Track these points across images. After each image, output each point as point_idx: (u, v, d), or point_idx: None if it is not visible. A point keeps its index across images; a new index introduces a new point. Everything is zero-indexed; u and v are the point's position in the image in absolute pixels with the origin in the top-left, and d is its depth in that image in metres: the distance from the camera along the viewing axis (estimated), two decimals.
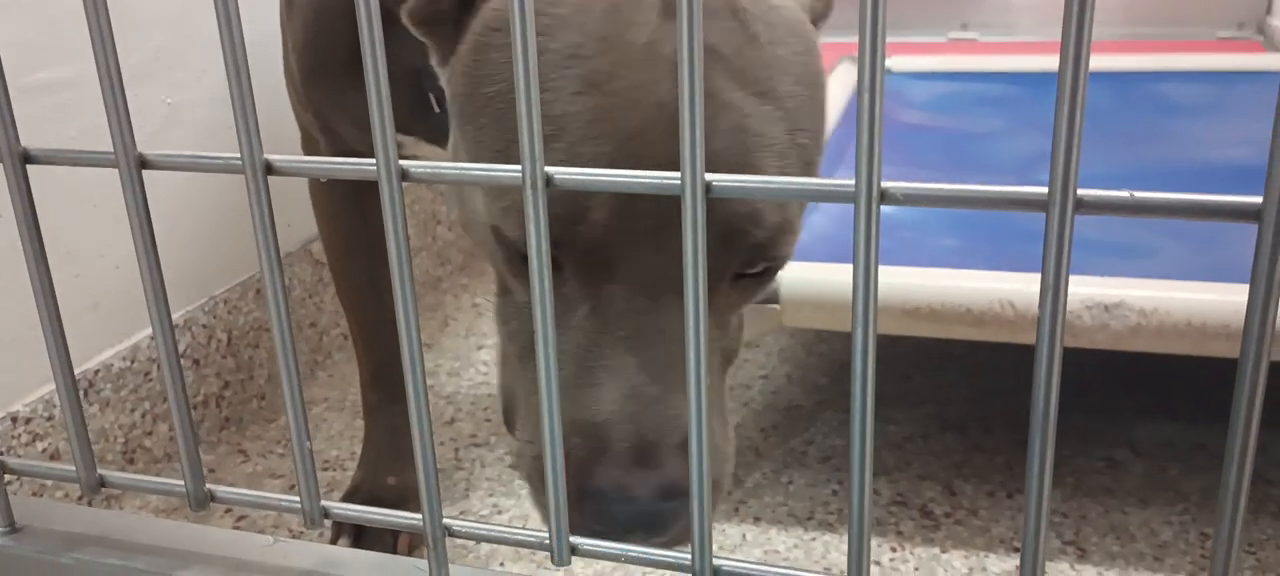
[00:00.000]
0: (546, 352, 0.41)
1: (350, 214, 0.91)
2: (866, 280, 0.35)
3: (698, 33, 0.34)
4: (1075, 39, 0.31)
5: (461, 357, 1.29)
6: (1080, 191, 0.33)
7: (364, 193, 0.90)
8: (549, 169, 0.39)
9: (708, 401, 0.40)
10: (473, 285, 1.52)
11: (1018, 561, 0.86)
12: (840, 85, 1.53)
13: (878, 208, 0.34)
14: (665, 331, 0.52)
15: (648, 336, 0.51)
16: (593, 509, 0.50)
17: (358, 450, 1.09)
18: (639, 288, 0.52)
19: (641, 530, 0.50)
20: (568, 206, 0.49)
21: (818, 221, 1.05)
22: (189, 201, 1.08)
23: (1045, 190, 0.33)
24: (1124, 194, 0.32)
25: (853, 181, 0.34)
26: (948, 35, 2.60)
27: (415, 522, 0.46)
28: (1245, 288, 0.33)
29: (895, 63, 1.70)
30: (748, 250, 0.53)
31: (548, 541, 0.44)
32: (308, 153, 0.92)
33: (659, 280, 0.51)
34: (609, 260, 0.51)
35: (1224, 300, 0.77)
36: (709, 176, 0.36)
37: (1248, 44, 2.33)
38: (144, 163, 0.44)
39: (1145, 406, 1.10)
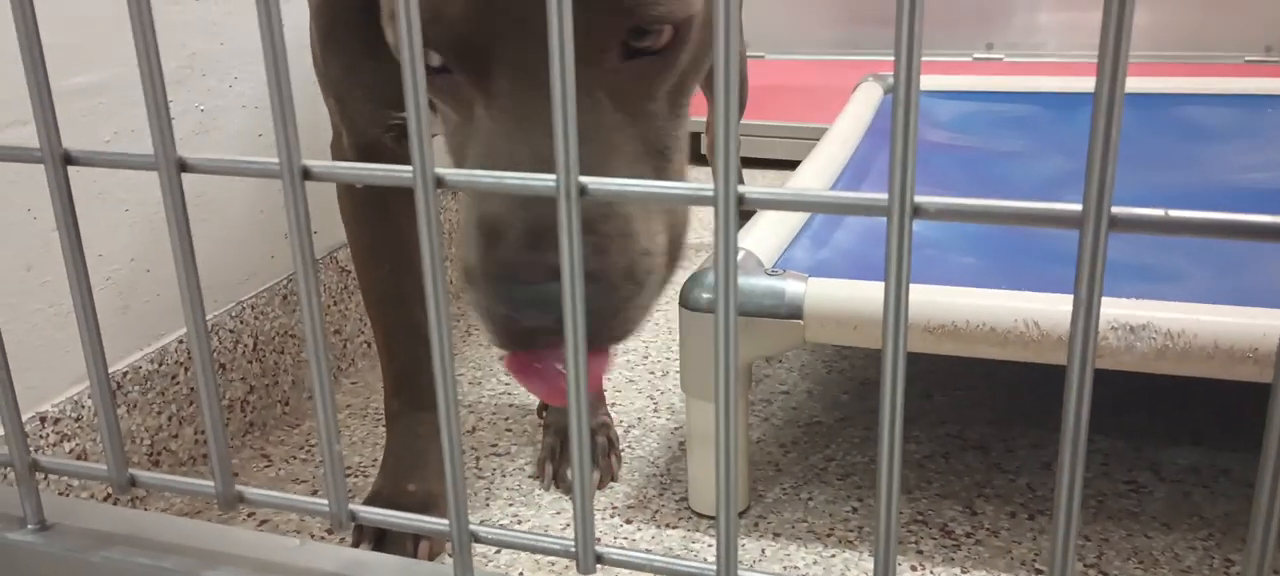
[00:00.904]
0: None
1: (375, 218, 0.92)
2: (898, 294, 0.35)
3: None
4: (1113, 53, 0.31)
5: (483, 367, 1.30)
6: (1114, 209, 0.33)
7: (390, 197, 0.91)
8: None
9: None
10: None
11: None
12: (864, 102, 1.53)
13: (910, 222, 0.34)
14: None
15: (538, 123, 0.52)
16: (491, 293, 0.52)
17: (380, 457, 1.10)
18: (520, 77, 0.52)
19: (537, 309, 0.50)
20: (429, 5, 0.50)
21: (841, 238, 1.05)
22: (218, 207, 1.09)
23: (1079, 207, 0.33)
24: (1158, 212, 0.32)
25: (886, 195, 0.35)
26: (973, 55, 2.60)
27: (441, 527, 0.46)
28: (1274, 311, 0.32)
29: (920, 82, 1.69)
30: (619, 16, 0.52)
31: (573, 548, 0.44)
32: (335, 155, 0.93)
33: (539, 65, 0.51)
34: (486, 52, 0.52)
35: (1252, 323, 0.77)
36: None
37: (1275, 68, 2.32)
38: (183, 166, 0.44)
39: (1170, 430, 1.09)
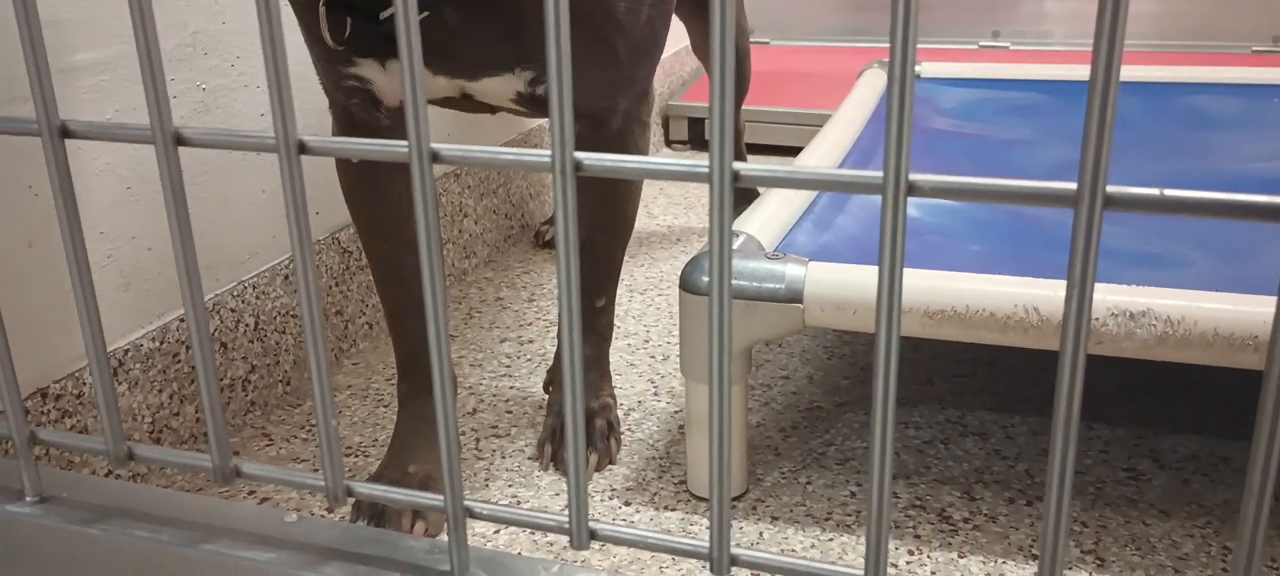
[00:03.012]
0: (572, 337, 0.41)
1: (370, 195, 0.92)
2: (892, 270, 0.35)
3: None
4: (1109, 33, 0.31)
5: (485, 349, 1.30)
6: (1109, 188, 0.33)
7: (382, 173, 0.91)
8: None
9: None
10: (497, 278, 1.53)
11: (1036, 569, 0.86)
12: (868, 89, 1.53)
13: (904, 199, 0.34)
14: None
15: None
16: None
17: (380, 438, 1.10)
18: None
19: None
20: None
21: (844, 222, 1.05)
22: (220, 186, 1.09)
23: (1074, 186, 0.33)
24: (1153, 191, 0.32)
25: (880, 173, 0.35)
26: (979, 43, 2.59)
27: (435, 502, 0.47)
28: (1274, 299, 0.32)
29: (926, 68, 1.69)
30: None
31: (567, 524, 0.44)
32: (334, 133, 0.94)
33: None
34: None
35: (1253, 311, 0.76)
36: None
37: None
38: (180, 139, 0.44)
39: (1170, 418, 1.09)
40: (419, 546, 0.50)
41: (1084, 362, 0.35)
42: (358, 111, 0.87)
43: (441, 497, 0.46)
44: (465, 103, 0.92)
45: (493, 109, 0.94)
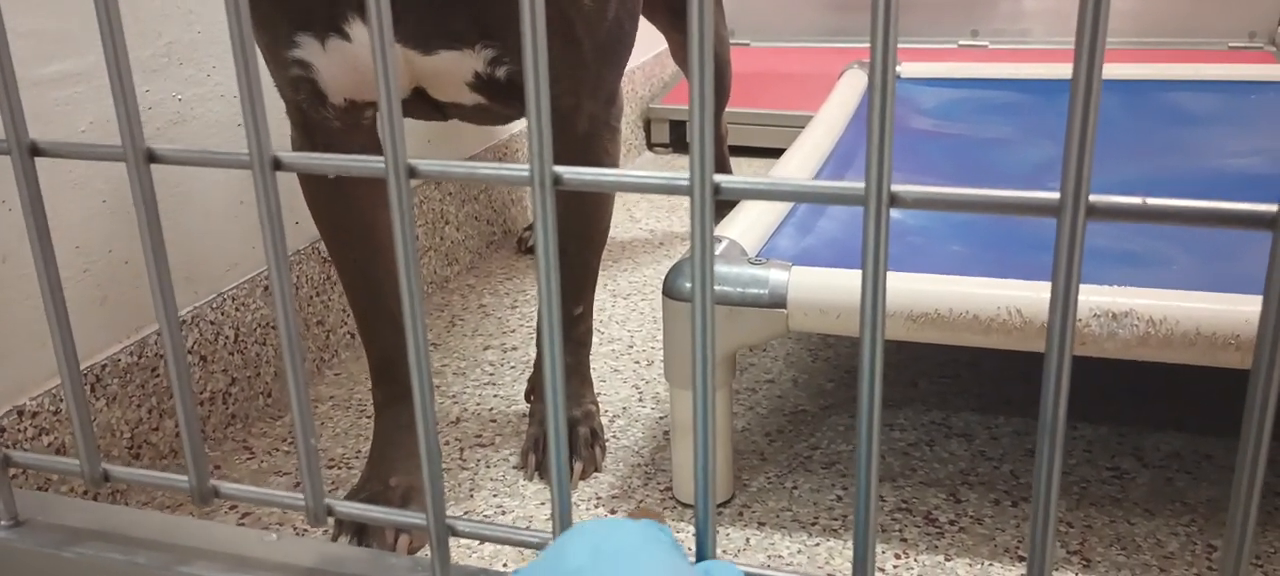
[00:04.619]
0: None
1: (335, 203, 0.90)
2: (875, 283, 0.35)
3: None
4: (1090, 41, 0.30)
5: (468, 358, 1.29)
6: (1092, 197, 0.32)
7: (349, 182, 0.89)
8: None
9: None
10: (479, 286, 1.52)
11: (1022, 570, 0.86)
12: (849, 90, 1.53)
13: (887, 211, 0.34)
14: None
15: None
16: None
17: (363, 449, 1.09)
18: None
19: None
20: None
21: (826, 226, 1.05)
22: (198, 198, 1.08)
23: (1057, 195, 0.33)
24: (1136, 200, 0.32)
25: (862, 184, 0.34)
26: (958, 42, 2.60)
27: (418, 521, 0.46)
28: (1255, 298, 0.32)
29: (905, 69, 1.69)
30: None
31: (551, 538, 0.44)
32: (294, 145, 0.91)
33: None
34: None
35: (1234, 310, 0.77)
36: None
37: (1260, 55, 2.33)
38: (152, 157, 0.44)
39: (1153, 418, 1.09)
40: (402, 564, 0.50)
41: (1069, 369, 0.35)
42: (308, 110, 0.84)
43: (422, 516, 0.45)
44: (416, 100, 0.88)
45: (443, 110, 0.90)
